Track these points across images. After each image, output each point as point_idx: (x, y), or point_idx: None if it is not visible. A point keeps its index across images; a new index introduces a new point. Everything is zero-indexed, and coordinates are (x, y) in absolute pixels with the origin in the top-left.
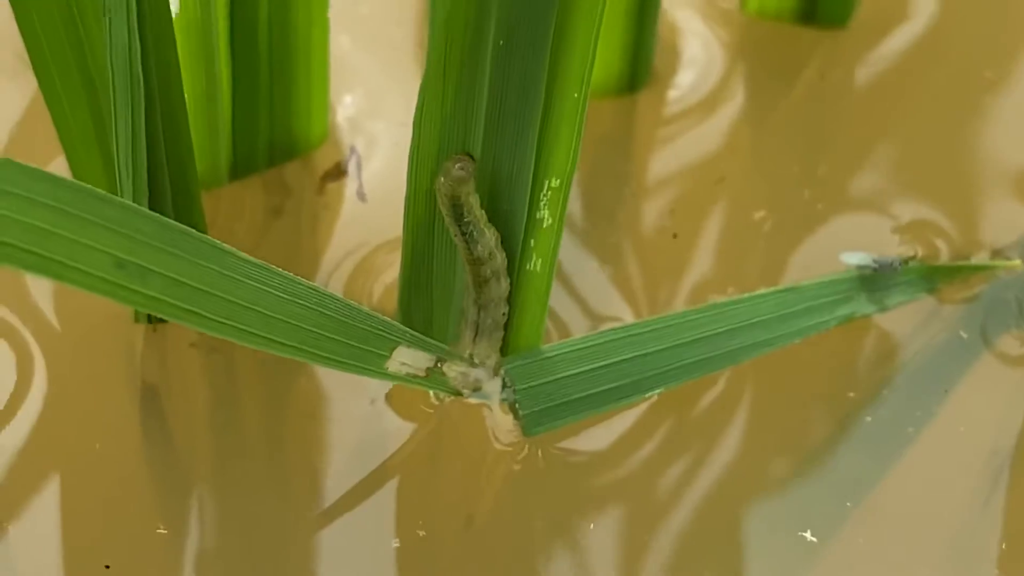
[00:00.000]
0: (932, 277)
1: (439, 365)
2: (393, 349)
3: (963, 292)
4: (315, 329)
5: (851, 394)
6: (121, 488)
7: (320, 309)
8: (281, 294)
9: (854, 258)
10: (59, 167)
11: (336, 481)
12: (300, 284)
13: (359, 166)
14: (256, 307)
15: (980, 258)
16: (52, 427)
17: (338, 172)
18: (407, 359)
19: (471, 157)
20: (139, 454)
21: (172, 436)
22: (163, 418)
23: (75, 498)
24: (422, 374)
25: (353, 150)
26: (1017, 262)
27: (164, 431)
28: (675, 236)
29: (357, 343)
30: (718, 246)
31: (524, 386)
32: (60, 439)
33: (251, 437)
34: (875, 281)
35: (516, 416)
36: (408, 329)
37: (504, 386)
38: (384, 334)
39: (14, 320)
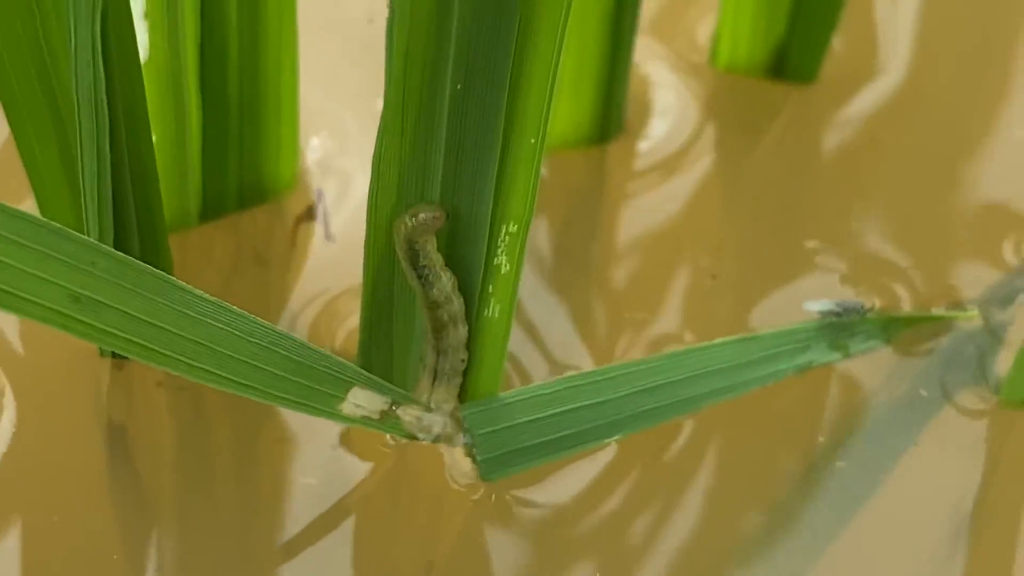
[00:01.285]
0: (891, 327)
1: (394, 408)
2: (348, 391)
3: (923, 344)
4: (269, 368)
5: (821, 439)
6: (85, 523)
7: (275, 348)
8: (236, 332)
9: (818, 305)
10: (29, 209)
11: (298, 522)
12: (256, 323)
13: (326, 209)
14: (210, 344)
15: (940, 310)
16: (19, 462)
17: (309, 215)
18: (362, 401)
19: (444, 212)
20: (104, 491)
21: (138, 474)
22: (129, 456)
23: (38, 535)
24: (376, 417)
25: (320, 193)
26: (974, 313)
27: (130, 469)
28: (641, 286)
29: (311, 383)
30: (683, 297)
31: (481, 431)
32: (26, 474)
33: (217, 476)
34: (834, 330)
35: (474, 461)
36: (363, 371)
37: (462, 431)
38: (339, 375)
39: None
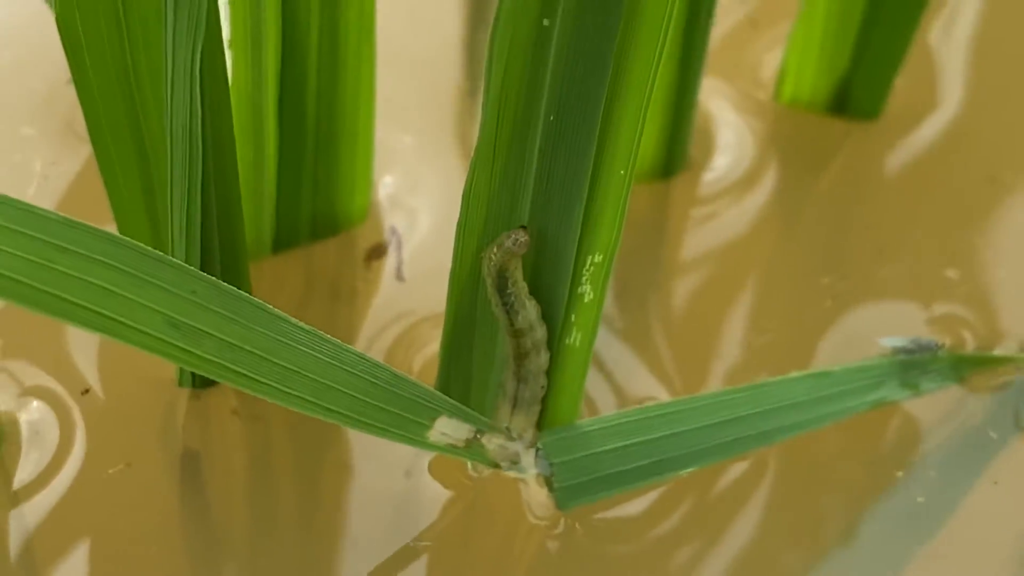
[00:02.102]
0: (960, 366)
1: (478, 437)
2: (435, 419)
3: (991, 381)
4: (361, 396)
5: (899, 473)
6: (156, 553)
7: (367, 377)
8: (330, 360)
9: (892, 341)
10: None
11: (370, 555)
12: (349, 352)
13: (399, 246)
14: (306, 372)
15: (1006, 349)
16: (93, 487)
17: (380, 250)
18: (448, 429)
19: (526, 232)
20: (176, 520)
21: (209, 504)
22: (201, 485)
23: (110, 562)
24: (461, 445)
25: (394, 230)
26: None
27: (202, 498)
28: (705, 319)
29: (401, 411)
30: (746, 330)
31: (559, 460)
32: (101, 499)
33: (287, 507)
34: (906, 367)
35: (551, 489)
36: (451, 400)
37: (540, 459)
38: (427, 404)
39: (56, 386)
